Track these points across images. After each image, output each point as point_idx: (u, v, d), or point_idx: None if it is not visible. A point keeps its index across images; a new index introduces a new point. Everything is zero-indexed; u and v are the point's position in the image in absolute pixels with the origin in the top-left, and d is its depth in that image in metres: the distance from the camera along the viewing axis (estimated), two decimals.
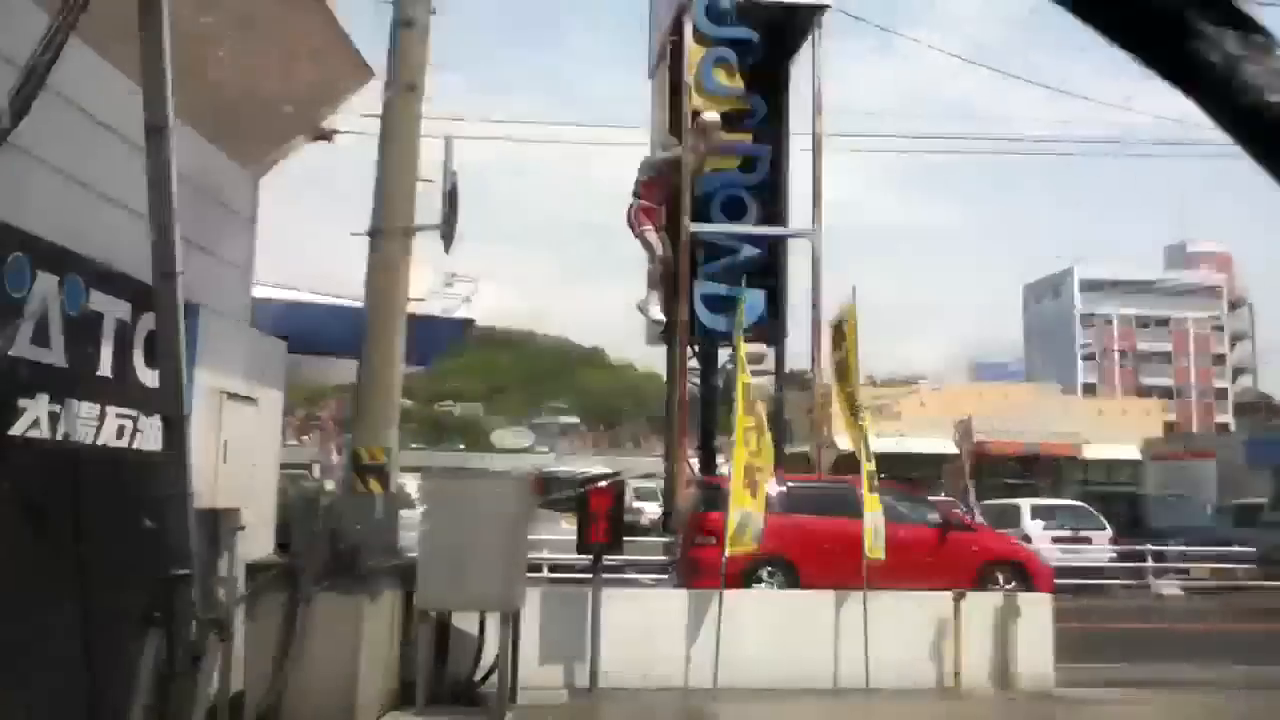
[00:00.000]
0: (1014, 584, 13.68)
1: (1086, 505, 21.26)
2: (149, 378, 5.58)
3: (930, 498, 16.73)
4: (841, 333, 9.65)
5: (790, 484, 14.81)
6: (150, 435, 5.62)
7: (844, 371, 9.74)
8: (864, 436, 9.46)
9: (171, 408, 4.80)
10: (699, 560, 10.58)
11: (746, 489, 8.54)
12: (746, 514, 8.43)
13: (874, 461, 9.36)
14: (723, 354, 16.55)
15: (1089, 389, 69.64)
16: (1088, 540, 19.15)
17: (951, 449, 43.33)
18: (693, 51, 15.95)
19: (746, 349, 15.59)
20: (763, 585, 11.72)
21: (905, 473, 35.30)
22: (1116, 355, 74.43)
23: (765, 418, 9.18)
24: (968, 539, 13.84)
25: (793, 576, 12.43)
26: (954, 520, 14.10)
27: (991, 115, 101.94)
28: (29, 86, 4.06)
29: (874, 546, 8.60)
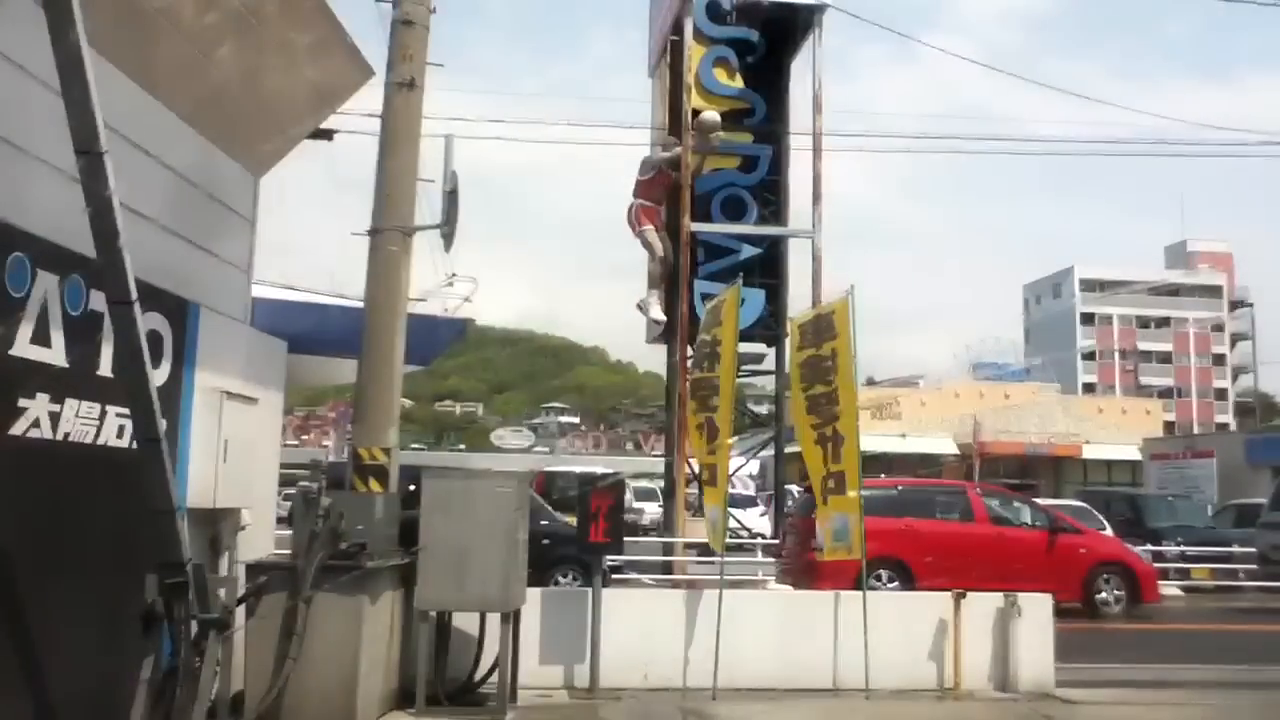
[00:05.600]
0: (1122, 589, 13.81)
1: (1086, 505, 21.24)
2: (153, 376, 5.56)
3: (1038, 500, 16.97)
4: (824, 328, 8.75)
5: (902, 487, 14.94)
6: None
7: (820, 371, 8.75)
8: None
9: (149, 430, 4.66)
10: (818, 564, 10.40)
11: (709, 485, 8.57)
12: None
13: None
14: None
15: (1089, 389, 69.67)
16: None
17: (951, 449, 43.52)
18: (693, 50, 15.94)
19: (746, 349, 15.48)
20: (879, 588, 11.85)
21: (904, 472, 35.35)
22: (1117, 355, 74.43)
23: (727, 416, 8.72)
24: (1076, 542, 13.98)
25: (907, 578, 12.50)
26: (1062, 523, 14.13)
27: (1002, 116, 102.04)
28: None
29: (833, 547, 8.51)
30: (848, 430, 8.39)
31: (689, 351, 15.81)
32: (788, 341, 14.24)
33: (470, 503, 6.89)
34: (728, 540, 9.15)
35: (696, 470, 8.78)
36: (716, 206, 15.79)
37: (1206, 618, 14.73)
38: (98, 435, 5.34)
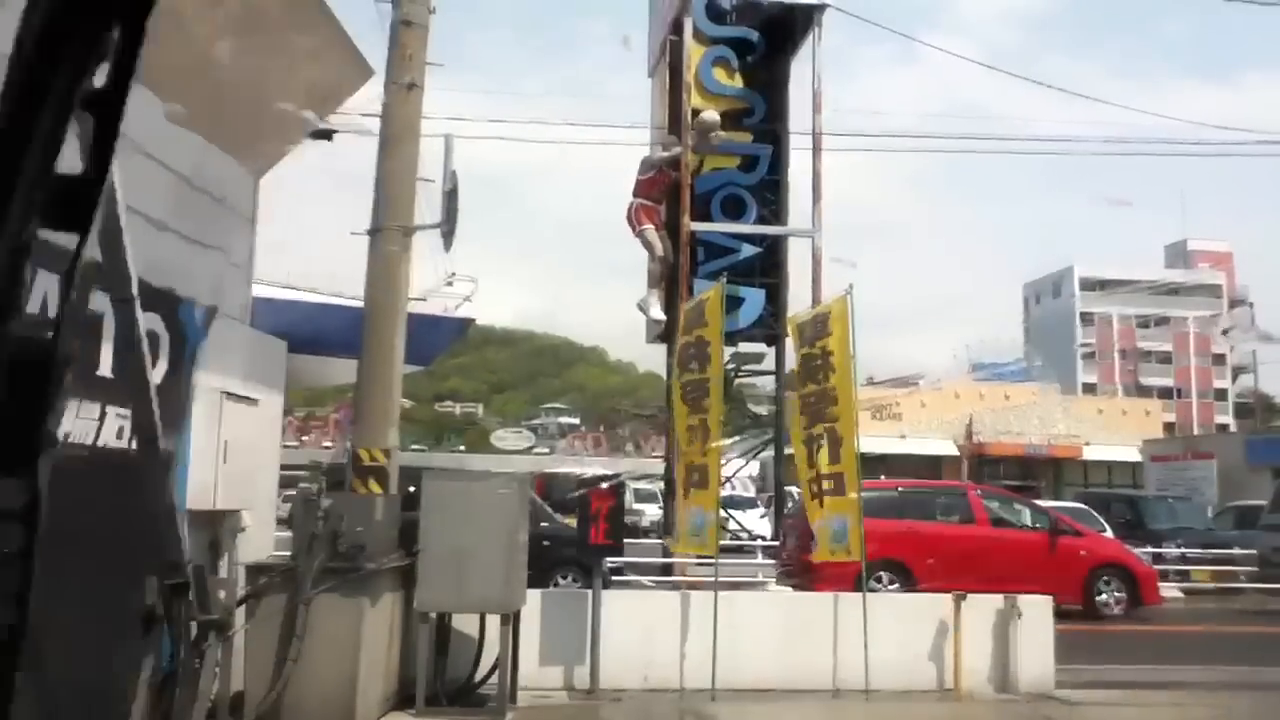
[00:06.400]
0: (1122, 591, 13.79)
1: (1086, 507, 21.24)
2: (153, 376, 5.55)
3: (1039, 502, 17.01)
4: (821, 327, 8.71)
5: (902, 488, 14.92)
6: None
7: (818, 370, 8.68)
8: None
9: (147, 430, 4.65)
10: (818, 565, 10.31)
11: (691, 487, 8.54)
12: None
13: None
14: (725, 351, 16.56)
15: (1089, 389, 69.65)
16: None
17: (951, 450, 43.52)
18: (693, 50, 15.94)
19: (746, 348, 15.46)
20: (879, 589, 11.80)
21: (904, 473, 35.35)
22: (1117, 355, 74.43)
23: (717, 417, 8.68)
24: (1076, 544, 13.96)
25: (908, 580, 12.50)
26: (1062, 525, 14.14)
27: (1003, 116, 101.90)
28: None
29: (831, 549, 8.49)
30: (846, 431, 8.37)
31: None
32: (787, 341, 14.24)
33: (470, 504, 6.90)
34: (725, 541, 9.15)
35: (678, 472, 8.74)
36: (716, 206, 15.79)
37: (1207, 619, 14.72)
38: (97, 435, 5.33)
